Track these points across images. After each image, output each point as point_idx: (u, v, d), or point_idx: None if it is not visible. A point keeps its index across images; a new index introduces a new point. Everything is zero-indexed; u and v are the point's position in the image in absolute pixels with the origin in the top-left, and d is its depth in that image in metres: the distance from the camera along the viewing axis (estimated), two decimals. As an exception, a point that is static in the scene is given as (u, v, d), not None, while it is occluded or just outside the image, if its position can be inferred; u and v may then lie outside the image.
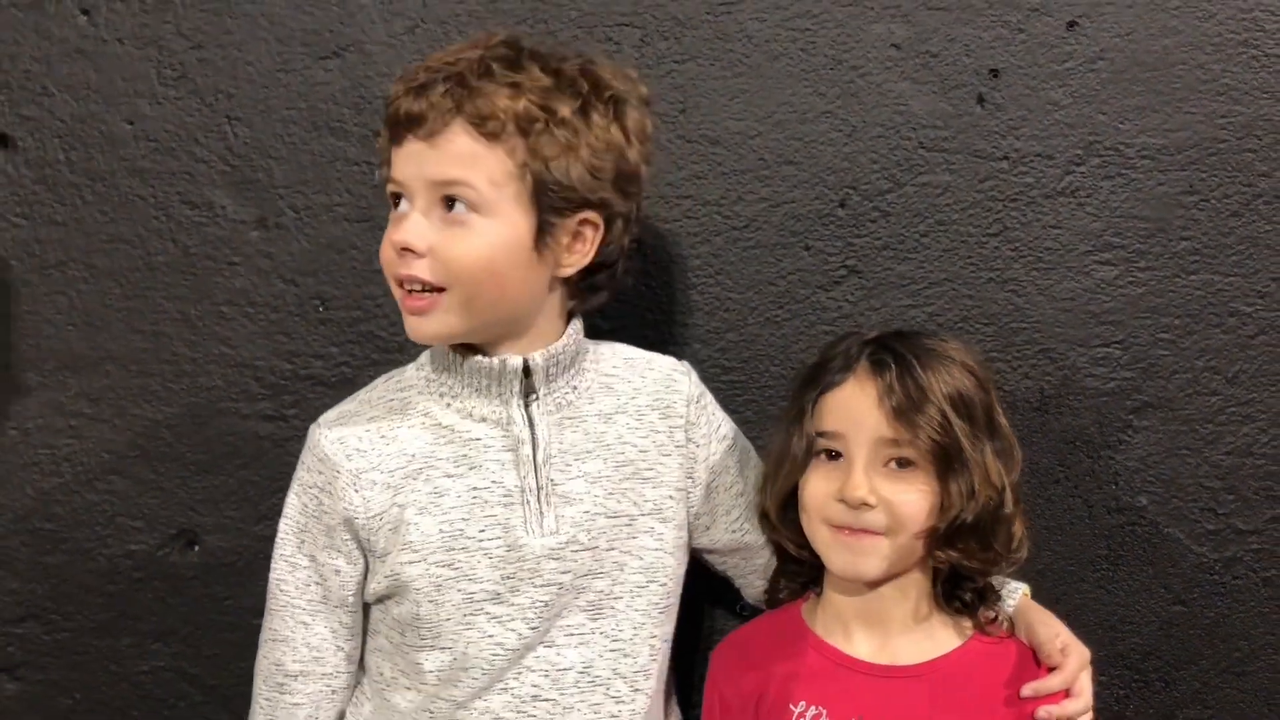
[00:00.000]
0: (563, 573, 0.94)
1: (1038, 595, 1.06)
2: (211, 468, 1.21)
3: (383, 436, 0.95)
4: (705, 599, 1.18)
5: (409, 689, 0.97)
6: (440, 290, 0.90)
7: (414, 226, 0.89)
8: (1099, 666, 1.24)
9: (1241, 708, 1.24)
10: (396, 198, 0.92)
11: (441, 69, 0.89)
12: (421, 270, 0.89)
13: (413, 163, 0.89)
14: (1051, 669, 0.95)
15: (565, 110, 0.89)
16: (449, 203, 0.89)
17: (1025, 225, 1.19)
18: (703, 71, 1.18)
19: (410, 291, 0.91)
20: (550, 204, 0.90)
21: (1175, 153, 1.18)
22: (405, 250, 0.89)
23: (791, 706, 0.95)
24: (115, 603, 1.22)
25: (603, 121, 0.91)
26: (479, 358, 0.94)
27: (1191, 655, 1.24)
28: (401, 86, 0.91)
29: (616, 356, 1.03)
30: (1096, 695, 1.15)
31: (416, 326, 0.92)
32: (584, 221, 0.92)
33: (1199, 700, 1.24)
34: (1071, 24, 1.17)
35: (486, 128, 0.88)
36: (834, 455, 0.95)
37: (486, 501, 0.94)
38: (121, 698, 1.23)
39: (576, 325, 0.98)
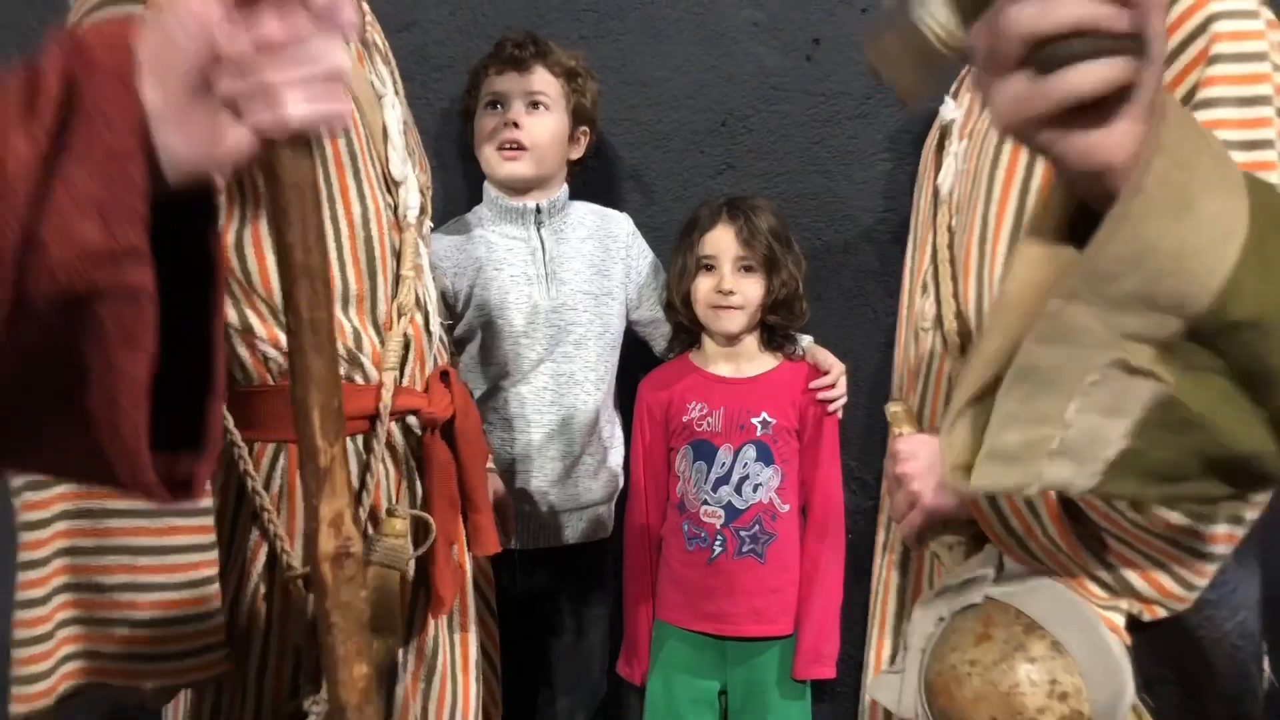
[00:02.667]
0: (559, 320, 1.67)
1: (849, 360, 1.74)
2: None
3: (460, 251, 1.67)
4: (635, 365, 1.88)
5: (478, 387, 1.68)
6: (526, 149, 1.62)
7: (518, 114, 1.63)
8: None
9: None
10: (494, 104, 1.63)
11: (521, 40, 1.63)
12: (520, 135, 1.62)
13: (514, 82, 1.63)
14: (824, 374, 1.69)
15: (583, 72, 1.67)
16: (533, 105, 1.62)
17: (835, 137, 1.88)
18: (637, 40, 1.86)
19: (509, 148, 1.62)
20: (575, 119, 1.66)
21: (926, 91, 1.89)
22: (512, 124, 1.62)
23: (687, 405, 1.69)
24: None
25: (593, 85, 1.68)
26: (512, 201, 1.65)
27: (937, 402, 1.99)
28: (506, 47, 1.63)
29: (586, 208, 1.76)
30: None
31: (511, 169, 1.63)
32: (583, 132, 1.67)
33: (942, 430, 1.99)
34: (864, 10, 1.85)
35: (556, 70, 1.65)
36: (710, 268, 1.68)
37: (518, 283, 1.66)
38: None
39: (565, 188, 1.70)
